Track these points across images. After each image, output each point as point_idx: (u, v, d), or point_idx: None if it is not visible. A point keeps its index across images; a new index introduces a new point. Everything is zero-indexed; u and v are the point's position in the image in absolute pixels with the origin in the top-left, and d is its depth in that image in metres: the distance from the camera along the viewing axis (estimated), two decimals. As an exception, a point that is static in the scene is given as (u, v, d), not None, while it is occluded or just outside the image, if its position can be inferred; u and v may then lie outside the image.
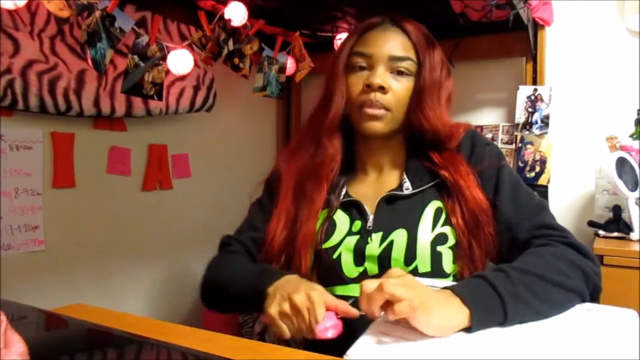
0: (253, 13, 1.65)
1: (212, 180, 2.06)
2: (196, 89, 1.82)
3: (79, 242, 1.58)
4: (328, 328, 0.72)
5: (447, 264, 0.88)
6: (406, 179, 0.93)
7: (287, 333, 0.76)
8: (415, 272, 0.86)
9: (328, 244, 0.91)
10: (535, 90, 1.89)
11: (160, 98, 1.54)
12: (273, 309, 0.76)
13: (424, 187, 0.92)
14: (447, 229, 0.89)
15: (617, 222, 1.59)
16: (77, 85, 1.47)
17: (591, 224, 1.67)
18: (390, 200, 0.92)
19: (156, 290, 1.85)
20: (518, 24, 1.63)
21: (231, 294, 0.90)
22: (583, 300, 0.75)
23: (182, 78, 1.73)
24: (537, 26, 1.88)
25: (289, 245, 0.94)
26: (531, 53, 1.90)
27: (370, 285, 0.65)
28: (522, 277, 0.71)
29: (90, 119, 1.58)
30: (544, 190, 1.85)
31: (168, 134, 1.86)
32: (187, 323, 1.95)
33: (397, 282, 0.65)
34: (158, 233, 1.84)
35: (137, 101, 1.62)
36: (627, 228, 1.57)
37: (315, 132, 0.97)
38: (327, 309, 0.73)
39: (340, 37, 1.94)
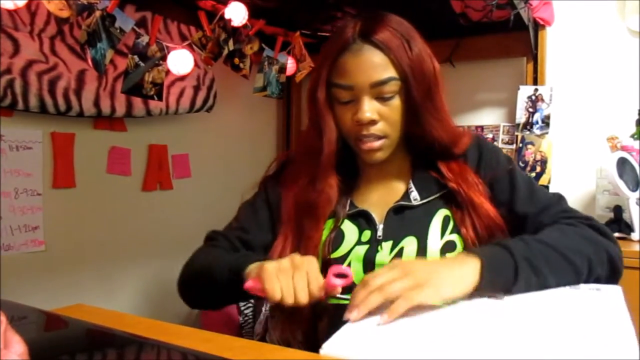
0: (253, 13, 1.65)
1: (212, 180, 2.06)
2: (196, 89, 1.82)
3: (79, 242, 1.58)
4: (335, 281, 0.71)
5: None
6: (413, 189, 0.93)
7: (278, 293, 0.70)
8: None
9: (336, 254, 0.89)
10: (536, 90, 1.89)
11: (160, 98, 1.54)
12: (269, 266, 0.72)
13: (431, 198, 0.91)
14: (454, 237, 0.89)
15: (618, 223, 1.59)
16: (77, 85, 1.47)
17: (592, 224, 1.67)
18: (398, 210, 0.91)
19: (156, 291, 1.85)
20: (518, 24, 1.63)
21: (211, 278, 0.87)
22: (597, 279, 0.79)
23: (182, 78, 1.73)
24: (538, 26, 1.88)
25: None
26: (532, 53, 1.90)
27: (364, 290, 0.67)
28: (540, 246, 0.76)
29: (90, 119, 1.58)
30: (544, 191, 1.84)
31: (168, 134, 1.85)
32: (187, 323, 1.95)
33: (391, 274, 0.68)
34: (158, 233, 1.84)
35: (137, 101, 1.62)
36: (628, 228, 1.57)
37: (310, 165, 0.93)
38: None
39: (341, 37, 1.94)
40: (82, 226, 1.59)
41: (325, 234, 0.92)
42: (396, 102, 0.87)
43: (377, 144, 0.88)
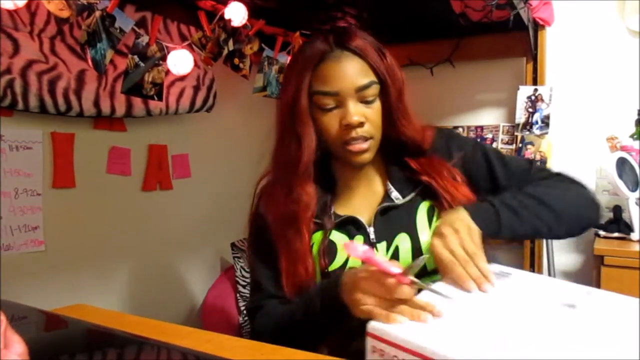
0: (253, 13, 1.65)
1: (212, 180, 2.06)
2: (196, 89, 1.82)
3: (79, 243, 1.58)
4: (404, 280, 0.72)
5: None
6: (393, 189, 0.96)
7: (378, 311, 0.69)
8: (424, 269, 0.89)
9: (334, 266, 0.91)
10: (536, 90, 1.89)
11: (160, 98, 1.54)
12: (360, 314, 0.72)
13: (412, 196, 0.95)
14: None
15: (618, 222, 1.59)
16: (77, 85, 1.47)
17: (591, 224, 1.67)
18: (384, 211, 0.94)
19: (156, 290, 1.85)
20: (518, 24, 1.63)
21: (301, 323, 0.87)
22: (592, 201, 0.91)
23: (182, 78, 1.73)
24: (538, 26, 1.88)
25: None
26: (531, 53, 1.90)
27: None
28: (516, 195, 0.86)
29: (90, 119, 1.58)
30: (544, 191, 1.85)
31: (168, 134, 1.85)
32: (187, 323, 1.95)
33: (455, 237, 0.76)
34: (158, 233, 1.84)
35: (137, 101, 1.62)
36: (628, 228, 1.57)
37: (287, 177, 0.96)
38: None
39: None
40: (82, 226, 1.59)
41: (315, 248, 0.93)
42: (377, 104, 0.92)
43: (365, 145, 0.91)
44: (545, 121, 1.86)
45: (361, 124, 0.90)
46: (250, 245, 1.05)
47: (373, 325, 0.64)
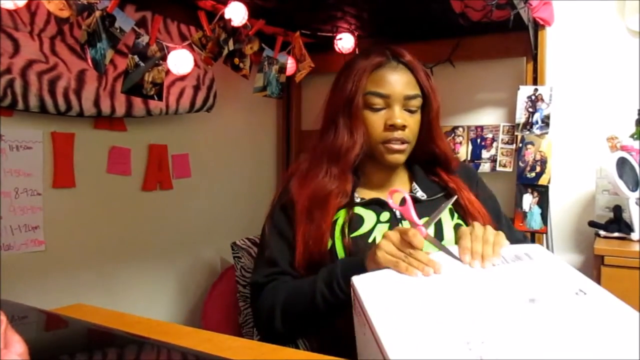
0: (253, 13, 1.65)
1: (212, 180, 2.06)
2: (196, 89, 1.82)
3: (79, 242, 1.58)
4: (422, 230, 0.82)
5: None
6: (417, 188, 1.08)
7: (391, 258, 0.80)
8: None
9: (359, 232, 1.00)
10: (536, 90, 1.89)
11: (160, 98, 1.54)
12: (380, 257, 0.81)
13: (436, 197, 1.06)
14: (461, 222, 1.04)
15: (618, 222, 1.59)
16: (77, 85, 1.47)
17: (592, 224, 1.67)
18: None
19: (156, 290, 1.85)
20: (518, 24, 1.63)
21: (308, 301, 0.92)
22: None
23: (182, 78, 1.73)
24: (538, 26, 1.87)
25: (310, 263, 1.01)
26: (531, 53, 1.90)
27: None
28: None
29: (90, 119, 1.58)
30: (544, 191, 1.85)
31: (168, 134, 1.85)
32: (187, 323, 1.95)
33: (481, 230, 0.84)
34: (158, 233, 1.84)
35: (137, 101, 1.62)
36: (628, 228, 1.57)
37: (329, 164, 1.05)
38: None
39: (341, 36, 1.94)
40: (82, 226, 1.59)
41: (340, 222, 1.02)
42: (418, 115, 1.05)
43: (403, 147, 1.03)
44: (546, 121, 1.86)
45: (403, 127, 1.02)
46: (269, 218, 1.12)
47: (355, 280, 0.73)
